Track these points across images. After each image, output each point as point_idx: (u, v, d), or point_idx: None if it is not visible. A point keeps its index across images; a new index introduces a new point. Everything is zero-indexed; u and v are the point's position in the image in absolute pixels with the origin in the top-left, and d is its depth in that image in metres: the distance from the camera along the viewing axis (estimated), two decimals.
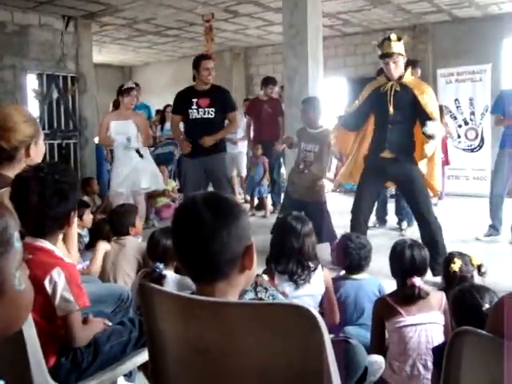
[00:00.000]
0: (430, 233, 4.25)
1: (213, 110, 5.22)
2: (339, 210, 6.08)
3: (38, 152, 2.38)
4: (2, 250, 0.90)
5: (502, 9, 8.67)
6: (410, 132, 4.34)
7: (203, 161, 5.29)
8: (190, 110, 5.26)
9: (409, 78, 4.36)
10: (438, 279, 3.46)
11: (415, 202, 4.39)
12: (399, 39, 4.24)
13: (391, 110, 4.27)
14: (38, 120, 2.56)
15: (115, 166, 6.05)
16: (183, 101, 5.37)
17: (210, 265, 1.29)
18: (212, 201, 1.32)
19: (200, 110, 5.22)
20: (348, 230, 4.62)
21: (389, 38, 4.23)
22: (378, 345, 2.58)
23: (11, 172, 2.24)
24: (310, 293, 2.70)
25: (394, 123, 4.31)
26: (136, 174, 5.87)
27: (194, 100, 5.26)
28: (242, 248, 1.31)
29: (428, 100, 4.23)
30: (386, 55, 4.24)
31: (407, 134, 4.33)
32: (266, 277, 2.31)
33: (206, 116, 5.24)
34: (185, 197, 6.83)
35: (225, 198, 1.35)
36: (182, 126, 5.65)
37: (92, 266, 3.42)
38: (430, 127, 4.06)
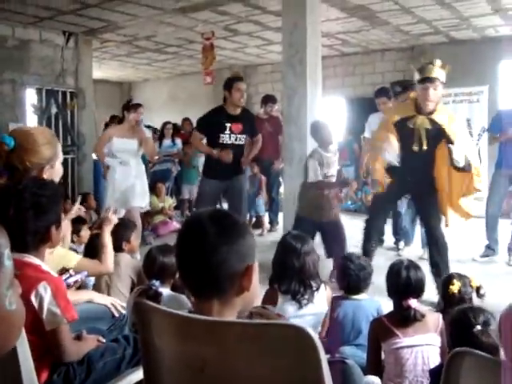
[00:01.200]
0: (437, 250, 4.33)
1: (244, 136, 5.15)
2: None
3: (52, 174, 2.37)
4: None
5: (499, 31, 8.76)
6: (432, 172, 4.30)
7: (224, 184, 5.30)
8: (221, 135, 5.08)
9: (439, 112, 4.17)
10: (436, 299, 3.44)
11: (427, 217, 4.45)
12: (443, 67, 4.09)
13: (420, 147, 4.16)
14: (58, 142, 2.54)
15: (111, 182, 5.89)
16: (215, 123, 5.16)
17: (209, 278, 1.29)
18: (217, 216, 1.34)
19: (232, 135, 5.08)
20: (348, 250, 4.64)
21: (432, 63, 4.08)
22: (373, 365, 2.56)
23: None
24: (313, 312, 2.68)
25: (419, 157, 4.23)
26: (132, 192, 5.78)
27: (228, 125, 5.09)
28: (243, 267, 1.30)
29: (455, 130, 4.12)
30: (427, 80, 4.03)
31: (427, 163, 4.27)
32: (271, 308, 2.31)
33: (237, 142, 5.13)
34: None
35: (230, 216, 1.37)
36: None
37: (105, 260, 2.89)
38: (455, 153, 4.02)
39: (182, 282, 1.44)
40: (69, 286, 2.65)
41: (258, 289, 1.40)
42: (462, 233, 7.17)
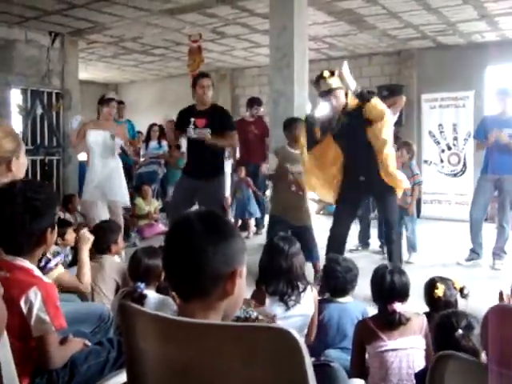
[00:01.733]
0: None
1: (208, 130, 5.08)
2: (324, 231, 6.08)
3: (19, 166, 2.36)
4: None
5: (485, 37, 8.85)
6: (371, 152, 4.40)
7: (197, 184, 5.17)
8: (187, 129, 5.11)
9: (351, 104, 4.45)
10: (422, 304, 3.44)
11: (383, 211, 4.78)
12: (332, 73, 4.38)
13: (346, 141, 4.44)
14: (20, 134, 2.53)
15: (88, 174, 5.89)
16: (182, 119, 5.25)
17: (193, 279, 1.28)
18: (206, 216, 1.33)
19: (196, 130, 5.09)
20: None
21: (322, 76, 4.37)
22: (357, 368, 2.56)
23: None
24: (300, 313, 2.68)
25: (353, 150, 4.46)
26: (109, 184, 5.74)
27: (192, 119, 5.12)
28: (229, 270, 1.29)
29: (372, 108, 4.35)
30: (325, 94, 4.39)
31: (369, 155, 4.39)
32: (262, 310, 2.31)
33: (201, 136, 5.10)
34: (168, 211, 6.79)
35: (220, 217, 1.36)
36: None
37: (83, 279, 2.97)
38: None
39: (167, 283, 1.42)
40: (51, 270, 2.63)
41: (243, 294, 1.38)
42: (447, 237, 7.24)
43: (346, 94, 4.44)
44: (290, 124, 5.11)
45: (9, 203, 1.84)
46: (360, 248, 6.40)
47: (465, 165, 8.96)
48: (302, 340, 1.08)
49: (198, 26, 8.30)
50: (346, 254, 5.23)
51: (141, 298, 2.66)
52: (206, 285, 1.28)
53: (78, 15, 7.76)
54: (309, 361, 1.09)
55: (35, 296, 1.82)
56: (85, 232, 2.98)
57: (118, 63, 11.77)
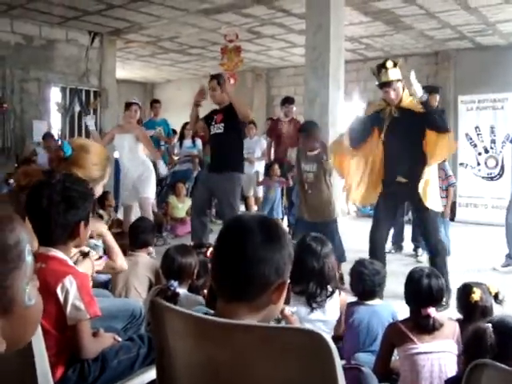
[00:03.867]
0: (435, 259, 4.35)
1: (222, 124, 5.25)
2: (354, 234, 6.04)
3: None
4: (13, 266, 0.88)
5: None
6: (419, 155, 4.28)
7: (212, 178, 5.30)
8: (211, 126, 5.36)
9: (407, 101, 4.33)
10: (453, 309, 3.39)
11: (422, 222, 4.54)
12: (395, 64, 4.25)
13: (392, 136, 4.29)
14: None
15: (122, 178, 6.24)
16: (209, 117, 5.45)
17: (243, 284, 1.27)
18: (268, 226, 1.33)
19: (215, 126, 5.29)
20: (362, 255, 4.57)
21: (385, 66, 4.23)
22: (381, 368, 2.52)
23: None
24: (323, 318, 2.66)
25: (399, 149, 4.29)
26: (140, 182, 5.99)
27: (214, 117, 5.35)
28: (277, 280, 1.29)
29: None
30: (385, 84, 4.25)
31: (416, 158, 4.28)
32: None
33: (217, 131, 5.29)
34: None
35: (279, 226, 1.36)
36: None
37: (116, 258, 2.70)
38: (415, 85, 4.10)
39: (212, 282, 1.41)
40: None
41: (282, 302, 1.38)
42: (483, 241, 7.09)
43: (403, 89, 4.32)
44: (310, 128, 5.10)
45: (47, 193, 1.89)
46: (393, 251, 6.32)
47: (502, 168, 8.75)
48: (332, 343, 1.07)
49: (234, 26, 8.33)
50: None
51: (174, 297, 2.67)
52: (254, 291, 1.28)
53: (117, 15, 7.89)
54: (339, 364, 1.08)
55: (70, 284, 1.86)
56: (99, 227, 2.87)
57: (154, 62, 11.90)
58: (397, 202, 4.63)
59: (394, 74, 4.24)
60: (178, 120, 10.25)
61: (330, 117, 5.79)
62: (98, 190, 2.48)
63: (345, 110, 6.68)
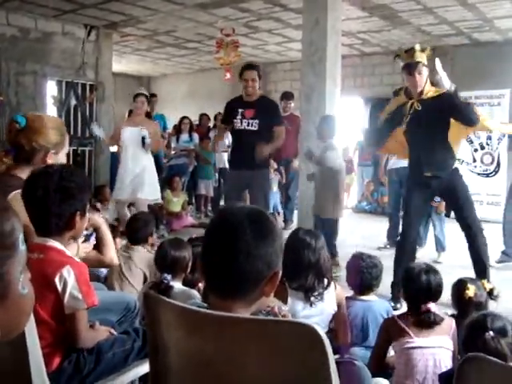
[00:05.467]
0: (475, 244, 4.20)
1: (256, 121, 5.02)
2: (350, 229, 6.05)
3: (56, 162, 2.39)
4: (8, 254, 0.89)
5: None
6: (446, 145, 4.13)
7: (244, 175, 5.13)
8: (234, 120, 5.09)
9: (429, 92, 4.11)
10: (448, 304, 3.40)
11: (459, 210, 4.27)
12: (423, 50, 4.05)
13: (417, 129, 4.10)
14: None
15: (120, 172, 6.06)
16: (231, 109, 5.21)
17: (234, 279, 1.26)
18: (255, 216, 1.29)
19: (244, 120, 5.04)
20: (358, 249, 4.58)
21: (413, 49, 4.03)
22: (375, 362, 2.54)
23: (25, 175, 2.28)
24: (320, 312, 2.66)
25: (423, 142, 4.11)
26: (140, 181, 5.87)
27: (240, 110, 5.09)
28: (269, 273, 1.28)
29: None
30: (410, 65, 4.01)
31: (443, 149, 4.12)
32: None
33: (249, 128, 5.04)
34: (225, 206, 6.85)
35: (267, 217, 1.32)
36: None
37: (106, 252, 2.59)
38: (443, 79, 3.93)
39: (203, 278, 1.41)
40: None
41: (273, 293, 1.38)
42: None
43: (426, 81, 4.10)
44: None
45: (43, 183, 1.90)
46: (388, 246, 6.33)
47: (498, 165, 8.77)
48: (324, 335, 1.07)
49: (231, 20, 8.32)
50: (374, 252, 5.19)
51: (167, 290, 2.68)
52: (247, 288, 1.28)
53: (113, 8, 7.85)
54: (331, 356, 1.08)
55: (69, 274, 1.86)
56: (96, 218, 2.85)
57: (151, 56, 11.87)
58: (427, 196, 4.43)
59: (421, 56, 4.01)
60: (175, 114, 10.26)
61: (327, 111, 5.78)
62: (61, 158, 2.46)
63: (341, 105, 6.68)
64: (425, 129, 4.06)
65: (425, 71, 4.04)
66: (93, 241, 2.48)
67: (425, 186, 4.24)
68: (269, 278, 1.28)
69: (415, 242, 4.50)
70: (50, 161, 2.36)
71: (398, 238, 4.55)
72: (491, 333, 1.94)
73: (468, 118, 3.92)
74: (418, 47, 4.02)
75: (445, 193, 4.38)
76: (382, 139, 4.47)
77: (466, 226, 4.19)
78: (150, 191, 5.95)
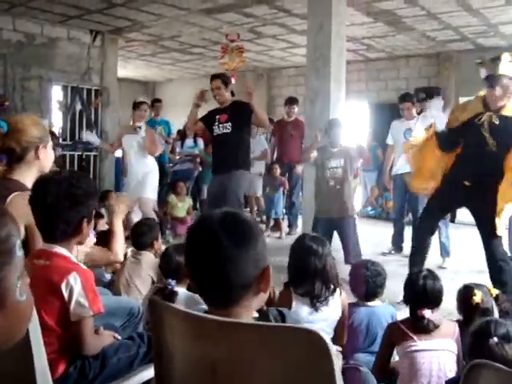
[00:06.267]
0: (496, 267, 3.84)
1: (229, 124, 5.16)
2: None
3: (47, 156, 2.43)
4: (5, 260, 0.88)
5: None
6: (500, 167, 3.79)
7: (222, 178, 5.21)
8: (214, 127, 5.26)
9: (509, 108, 3.78)
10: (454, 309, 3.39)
11: (483, 228, 3.96)
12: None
13: (488, 143, 3.78)
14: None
15: (127, 177, 6.35)
16: (210, 117, 5.37)
17: (225, 290, 1.25)
18: (229, 222, 1.26)
19: (220, 125, 5.20)
20: (363, 255, 4.58)
21: (499, 58, 3.68)
22: (379, 368, 2.53)
23: (21, 176, 2.29)
24: (326, 317, 2.66)
25: (487, 155, 3.81)
26: (141, 185, 6.02)
27: (217, 117, 5.27)
28: (259, 271, 1.26)
29: None
30: (492, 78, 3.70)
31: (498, 162, 3.79)
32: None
33: (223, 131, 5.19)
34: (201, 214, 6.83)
35: (242, 219, 1.29)
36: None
37: (114, 247, 2.63)
38: None
39: (196, 291, 1.40)
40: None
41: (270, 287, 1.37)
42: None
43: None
44: (335, 126, 5.13)
45: (52, 189, 1.90)
46: (393, 251, 6.33)
47: None
48: (330, 342, 1.07)
49: (236, 26, 8.33)
50: (378, 257, 5.20)
51: (171, 295, 2.67)
52: (240, 291, 1.26)
53: (118, 14, 7.89)
54: (337, 362, 1.08)
55: (75, 281, 1.87)
56: (123, 200, 2.78)
57: (156, 61, 11.90)
58: (453, 203, 4.29)
59: (505, 69, 3.65)
60: (180, 119, 10.26)
61: (332, 116, 5.77)
62: (50, 153, 2.49)
63: (346, 110, 6.68)
64: (493, 145, 3.78)
65: (509, 84, 3.70)
66: (92, 237, 2.49)
67: (456, 192, 4.02)
68: (260, 275, 1.27)
69: (429, 242, 4.32)
70: (42, 155, 2.39)
71: (412, 241, 4.43)
72: (495, 339, 1.93)
73: None
74: (505, 57, 3.67)
75: (474, 208, 4.08)
76: (454, 145, 4.12)
77: (490, 250, 3.92)
78: (149, 191, 6.10)
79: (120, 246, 2.56)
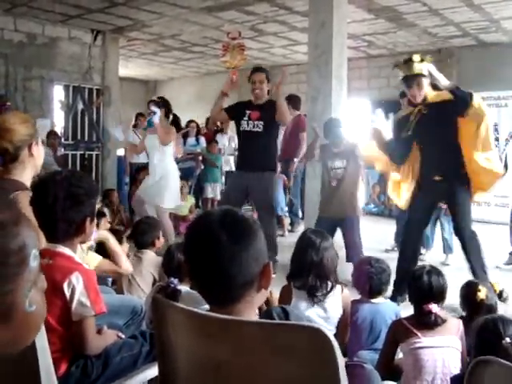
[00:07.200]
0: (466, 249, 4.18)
1: (261, 123, 5.05)
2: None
3: (39, 152, 2.44)
4: (16, 271, 0.85)
5: None
6: (456, 148, 4.11)
7: (246, 176, 5.13)
8: (241, 121, 5.14)
9: (431, 95, 4.14)
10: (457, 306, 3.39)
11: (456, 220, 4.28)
12: (422, 60, 4.06)
13: (424, 134, 4.12)
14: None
15: (149, 175, 6.12)
16: (238, 109, 5.25)
17: (226, 288, 1.25)
18: (228, 220, 1.26)
19: (250, 122, 5.09)
20: (365, 251, 4.57)
21: (411, 59, 4.05)
22: (383, 365, 2.52)
23: (18, 175, 2.29)
24: (325, 315, 2.65)
25: (433, 145, 4.12)
26: (158, 189, 5.83)
27: (247, 112, 5.14)
28: (259, 268, 1.26)
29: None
30: (409, 78, 4.07)
31: (452, 151, 4.11)
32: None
33: (254, 129, 5.07)
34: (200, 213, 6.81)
35: (241, 217, 1.29)
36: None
37: (120, 263, 2.83)
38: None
39: (195, 287, 1.39)
40: None
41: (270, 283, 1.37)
42: (486, 239, 7.06)
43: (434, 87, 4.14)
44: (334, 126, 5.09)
45: (52, 189, 1.90)
46: (396, 248, 6.30)
47: (506, 166, 8.71)
48: (334, 339, 1.07)
49: (237, 24, 8.32)
50: (381, 254, 5.19)
51: (174, 293, 2.67)
52: (242, 289, 1.26)
53: (119, 13, 7.89)
54: (341, 360, 1.07)
55: (77, 280, 1.87)
56: (101, 232, 2.91)
57: (157, 60, 11.90)
58: (434, 202, 4.43)
59: (418, 68, 4.03)
60: (182, 117, 10.25)
61: (333, 115, 5.76)
62: (41, 149, 2.48)
63: (348, 108, 6.67)
64: (434, 130, 4.07)
65: (424, 81, 4.08)
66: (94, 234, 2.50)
67: (431, 191, 4.22)
68: (260, 271, 1.27)
69: (417, 248, 4.49)
70: (35, 152, 2.39)
71: (401, 247, 4.54)
72: (508, 339, 1.92)
73: (461, 97, 3.94)
74: (415, 58, 4.04)
75: (448, 200, 4.37)
76: (404, 154, 4.38)
77: (460, 234, 4.26)
78: (167, 199, 5.89)
79: (125, 260, 2.60)
